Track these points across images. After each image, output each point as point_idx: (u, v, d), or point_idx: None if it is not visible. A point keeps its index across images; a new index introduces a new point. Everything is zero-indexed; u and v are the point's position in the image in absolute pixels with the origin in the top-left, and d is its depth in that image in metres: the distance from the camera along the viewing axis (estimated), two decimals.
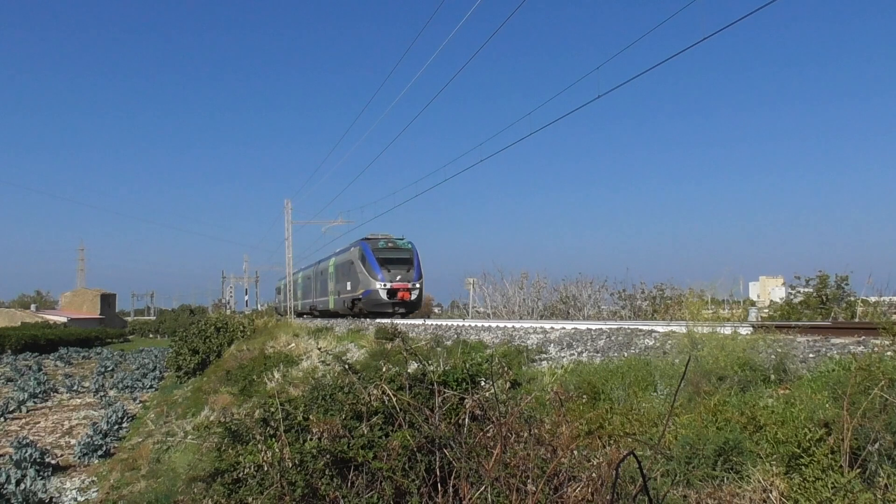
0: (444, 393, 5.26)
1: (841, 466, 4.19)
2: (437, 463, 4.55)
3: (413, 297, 30.98)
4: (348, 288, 34.38)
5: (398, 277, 30.59)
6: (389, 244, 32.32)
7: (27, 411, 27.60)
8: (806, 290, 18.35)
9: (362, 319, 33.23)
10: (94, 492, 15.66)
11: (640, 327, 11.28)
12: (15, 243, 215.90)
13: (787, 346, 6.99)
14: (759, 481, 4.31)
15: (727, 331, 7.59)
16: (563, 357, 9.97)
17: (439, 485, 4.48)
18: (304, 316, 49.24)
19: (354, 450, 4.69)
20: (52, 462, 18.09)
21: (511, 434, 4.64)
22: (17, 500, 13.85)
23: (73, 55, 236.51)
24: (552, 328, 13.05)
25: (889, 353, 6.02)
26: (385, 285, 30.22)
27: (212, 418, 16.28)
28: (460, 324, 18.64)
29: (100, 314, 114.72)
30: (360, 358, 14.63)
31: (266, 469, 4.87)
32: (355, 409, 5.36)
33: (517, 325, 15.14)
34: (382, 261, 30.87)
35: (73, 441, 20.87)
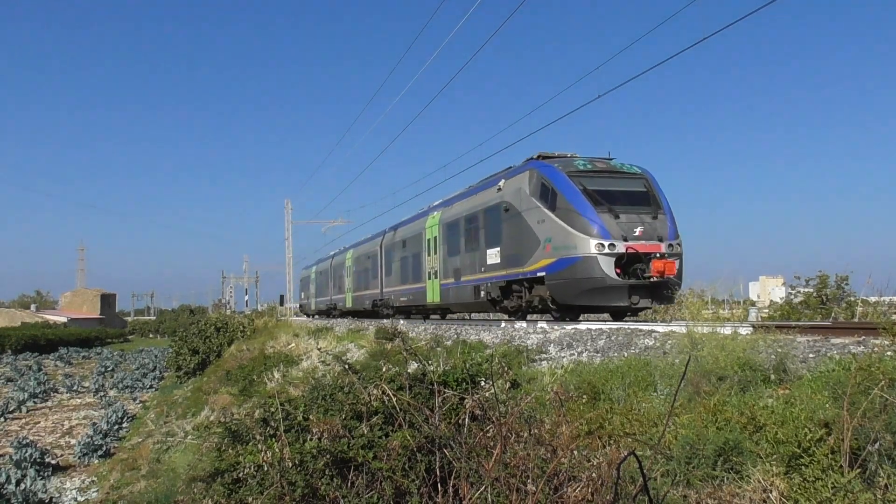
0: (444, 393, 5.26)
1: (841, 466, 4.18)
2: (437, 463, 4.55)
3: (676, 269, 14.31)
4: (492, 260, 17.87)
5: (636, 231, 14.29)
6: (599, 164, 15.98)
7: (27, 411, 27.60)
8: (806, 290, 18.35)
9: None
10: (94, 492, 15.67)
11: (640, 327, 11.28)
12: (15, 243, 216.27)
13: (787, 346, 6.98)
14: (759, 481, 4.31)
15: (727, 331, 7.59)
16: (563, 357, 9.98)
17: (439, 485, 4.47)
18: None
19: (354, 450, 4.69)
20: (52, 462, 18.10)
21: (511, 434, 4.64)
22: (17, 500, 13.85)
23: (74, 56, 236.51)
24: (552, 328, 13.05)
25: (889, 353, 6.02)
26: (611, 246, 14.00)
27: (212, 418, 16.29)
28: (460, 324, 18.65)
29: (100, 314, 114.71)
30: (360, 358, 14.64)
31: (266, 469, 4.87)
32: (355, 409, 5.36)
33: (517, 325, 15.14)
34: (598, 196, 14.71)
35: (73, 441, 20.87)
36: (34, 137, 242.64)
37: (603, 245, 13.96)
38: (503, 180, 17.77)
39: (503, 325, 15.86)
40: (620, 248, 13.99)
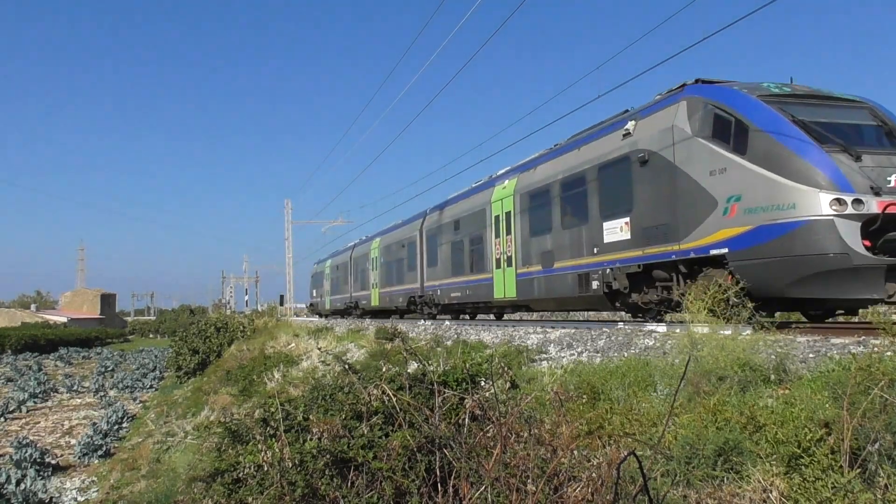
0: (444, 393, 5.26)
1: (841, 466, 4.18)
2: (437, 463, 4.55)
3: None
4: (613, 236, 13.09)
5: (892, 179, 9.06)
6: (800, 89, 10.96)
7: (27, 411, 27.60)
8: None
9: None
10: (94, 492, 15.67)
11: (640, 327, 11.29)
12: (15, 243, 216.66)
13: (787, 347, 6.99)
14: (759, 481, 4.31)
15: (727, 331, 7.60)
16: (563, 357, 9.98)
17: (439, 485, 4.47)
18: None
19: (354, 450, 4.68)
20: (52, 462, 18.10)
21: (511, 434, 4.64)
22: (17, 500, 13.85)
23: (75, 56, 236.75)
24: (552, 328, 13.05)
25: (889, 353, 6.02)
26: (856, 203, 8.88)
27: (212, 418, 16.30)
28: (460, 324, 18.64)
29: (100, 314, 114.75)
30: (360, 358, 14.64)
31: (266, 469, 4.87)
32: (355, 409, 5.36)
33: (517, 325, 15.14)
34: (825, 130, 9.53)
35: (73, 441, 20.87)
36: (34, 137, 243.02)
37: (843, 201, 8.93)
38: (632, 121, 12.61)
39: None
40: (872, 205, 8.94)
